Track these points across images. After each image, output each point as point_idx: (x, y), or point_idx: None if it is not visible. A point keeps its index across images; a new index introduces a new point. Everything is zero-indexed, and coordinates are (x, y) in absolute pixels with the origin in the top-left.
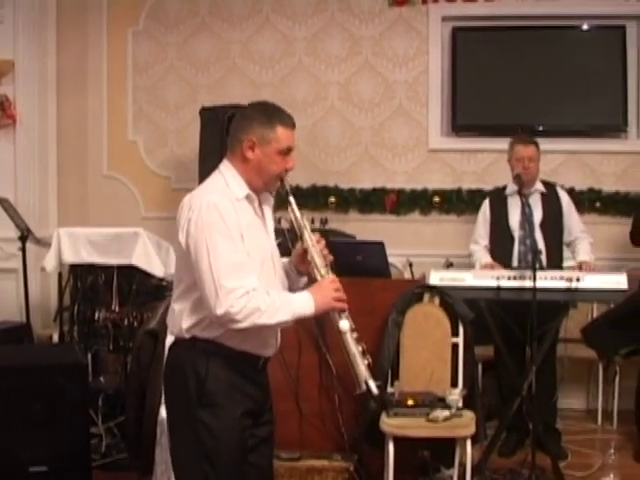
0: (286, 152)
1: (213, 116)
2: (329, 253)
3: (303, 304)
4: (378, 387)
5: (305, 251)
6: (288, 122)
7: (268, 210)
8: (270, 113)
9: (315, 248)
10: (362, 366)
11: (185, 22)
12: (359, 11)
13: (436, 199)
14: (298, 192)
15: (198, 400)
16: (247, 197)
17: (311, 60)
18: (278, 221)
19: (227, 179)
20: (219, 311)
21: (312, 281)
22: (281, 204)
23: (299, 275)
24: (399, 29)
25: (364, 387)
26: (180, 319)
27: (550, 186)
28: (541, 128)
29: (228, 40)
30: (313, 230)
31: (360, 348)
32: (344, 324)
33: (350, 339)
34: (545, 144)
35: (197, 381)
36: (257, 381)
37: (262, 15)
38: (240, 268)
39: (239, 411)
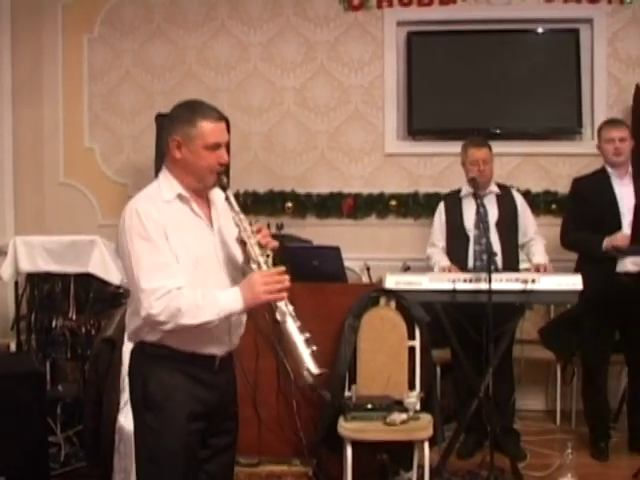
0: (214, 147)
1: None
2: (272, 240)
3: (230, 301)
4: (318, 376)
5: (244, 243)
6: (211, 116)
7: (218, 208)
8: (191, 110)
9: (252, 239)
10: (304, 354)
11: (140, 28)
12: (314, 16)
13: (393, 203)
14: (255, 197)
15: (143, 403)
16: (179, 197)
17: (267, 65)
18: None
19: (160, 182)
20: (143, 313)
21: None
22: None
23: None
24: (354, 34)
25: (308, 376)
26: (127, 324)
27: (504, 188)
28: (497, 131)
29: (183, 46)
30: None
31: (303, 337)
32: (280, 313)
33: (290, 327)
34: (501, 147)
35: (142, 384)
36: (210, 383)
37: (217, 21)
38: (162, 269)
39: (184, 413)
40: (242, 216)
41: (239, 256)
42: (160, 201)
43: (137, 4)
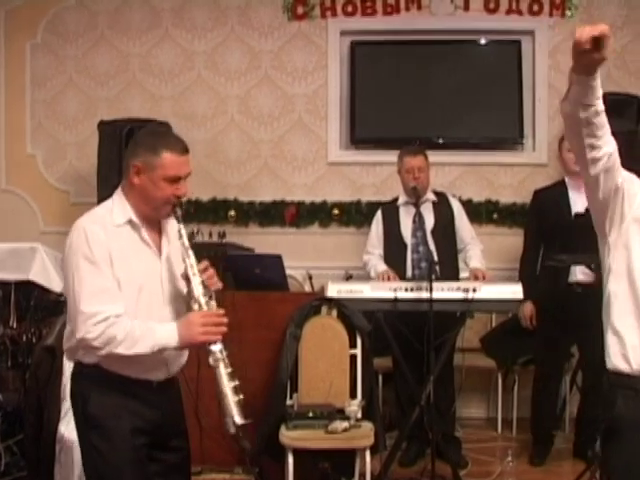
0: (173, 179)
1: (111, 130)
2: (217, 282)
3: (167, 336)
4: (241, 426)
5: (188, 280)
6: (176, 148)
7: (169, 237)
8: (156, 138)
9: (196, 278)
10: (230, 402)
11: (84, 35)
12: (259, 25)
13: (335, 212)
14: (198, 205)
15: (85, 424)
16: (130, 223)
17: (211, 73)
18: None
19: (113, 204)
20: (78, 335)
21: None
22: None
23: None
24: (298, 43)
25: (230, 424)
26: (64, 341)
27: (441, 195)
28: (440, 141)
29: (127, 53)
30: (211, 245)
31: (232, 384)
32: (213, 359)
33: (221, 373)
34: (443, 157)
35: (82, 405)
36: (151, 401)
37: (162, 28)
38: (103, 293)
39: (127, 429)
40: (190, 252)
41: (185, 288)
42: (110, 224)
43: (81, 11)
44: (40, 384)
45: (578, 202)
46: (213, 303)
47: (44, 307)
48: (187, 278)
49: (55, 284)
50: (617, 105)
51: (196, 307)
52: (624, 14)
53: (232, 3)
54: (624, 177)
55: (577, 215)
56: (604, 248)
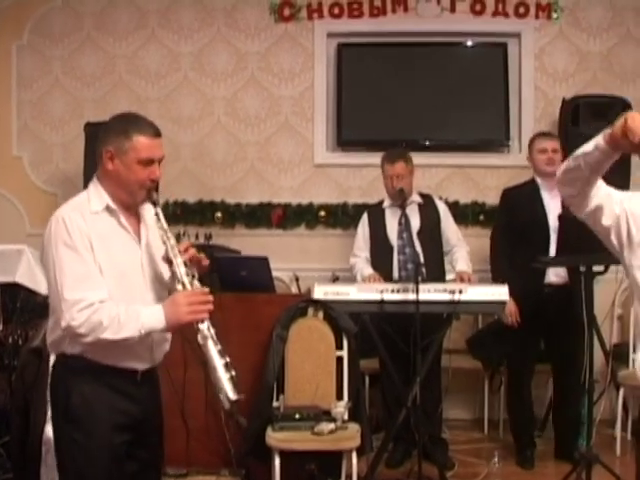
0: (147, 162)
1: (98, 132)
2: (203, 257)
3: (153, 318)
4: (235, 402)
5: (170, 262)
6: (147, 131)
7: (147, 223)
8: (127, 122)
9: (178, 258)
10: (223, 379)
11: (70, 36)
12: (245, 26)
13: (322, 214)
14: (184, 207)
15: (65, 416)
16: (108, 209)
17: (197, 75)
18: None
19: (89, 192)
20: (63, 324)
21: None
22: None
23: None
24: (285, 45)
25: (225, 400)
26: (48, 334)
27: (427, 197)
28: (426, 143)
29: (114, 54)
30: (198, 246)
31: (223, 361)
32: (202, 336)
33: (211, 350)
34: (430, 158)
35: (64, 397)
36: (133, 395)
37: (148, 29)
38: (86, 280)
39: (108, 425)
40: (170, 234)
41: (166, 273)
42: (88, 211)
43: (67, 12)
44: (26, 386)
45: (551, 203)
46: (197, 283)
47: (30, 309)
48: (169, 260)
49: (41, 286)
50: (603, 107)
51: (180, 287)
52: (609, 17)
53: (218, 4)
54: (623, 198)
55: (559, 217)
56: (623, 263)
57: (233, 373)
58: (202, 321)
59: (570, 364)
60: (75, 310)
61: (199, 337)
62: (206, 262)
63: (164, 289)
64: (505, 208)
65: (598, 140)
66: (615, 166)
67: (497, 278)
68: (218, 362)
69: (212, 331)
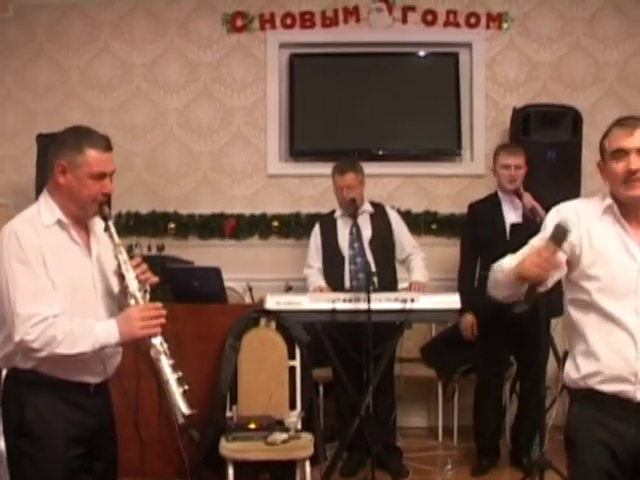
0: (99, 176)
1: (50, 143)
2: (151, 276)
3: (107, 333)
4: (188, 417)
5: (122, 277)
6: (100, 145)
7: (97, 237)
8: (80, 136)
9: (130, 273)
10: (176, 393)
11: (23, 47)
12: (197, 37)
13: (275, 224)
14: (137, 218)
15: (19, 431)
16: (59, 223)
17: (150, 86)
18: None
19: (40, 206)
20: (16, 339)
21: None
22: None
23: None
24: (237, 55)
25: (178, 415)
26: None
27: (378, 206)
28: (379, 152)
29: (66, 66)
30: (148, 257)
31: (175, 376)
32: (154, 351)
33: (164, 366)
34: (382, 168)
35: (18, 411)
36: (87, 407)
37: (100, 41)
38: (39, 295)
39: (62, 439)
40: (122, 249)
41: (116, 287)
42: (40, 225)
43: (19, 23)
44: None
45: (511, 214)
46: (148, 297)
47: None
48: (121, 275)
49: None
50: (553, 116)
51: (132, 302)
52: (559, 27)
53: (171, 16)
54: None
55: (513, 225)
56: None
57: (186, 387)
58: (155, 335)
59: (527, 372)
60: (29, 325)
61: (152, 352)
62: (155, 280)
63: (115, 303)
64: (470, 222)
65: (512, 269)
66: (565, 176)
67: (462, 290)
68: (171, 377)
69: (165, 346)
